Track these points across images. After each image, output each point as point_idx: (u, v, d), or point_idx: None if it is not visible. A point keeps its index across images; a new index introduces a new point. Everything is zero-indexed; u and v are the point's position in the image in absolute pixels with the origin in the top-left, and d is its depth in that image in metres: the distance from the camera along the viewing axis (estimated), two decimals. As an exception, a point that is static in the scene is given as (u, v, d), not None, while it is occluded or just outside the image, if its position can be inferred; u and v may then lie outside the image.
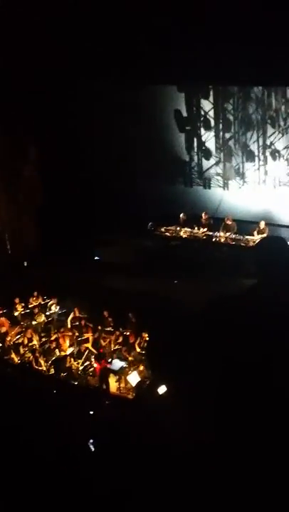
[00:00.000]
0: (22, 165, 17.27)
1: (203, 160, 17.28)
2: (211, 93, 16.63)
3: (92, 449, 5.85)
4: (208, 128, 16.97)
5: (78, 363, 11.99)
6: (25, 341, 12.75)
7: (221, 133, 16.80)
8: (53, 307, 14.22)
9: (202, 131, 17.08)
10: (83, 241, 15.97)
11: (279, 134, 15.77)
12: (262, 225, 14.75)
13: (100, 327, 12.98)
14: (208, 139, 17.02)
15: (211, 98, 16.72)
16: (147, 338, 11.29)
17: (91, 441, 6.15)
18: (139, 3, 12.81)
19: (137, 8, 12.80)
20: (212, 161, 17.10)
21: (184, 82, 16.11)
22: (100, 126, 16.66)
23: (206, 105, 16.85)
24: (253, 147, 16.27)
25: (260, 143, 16.14)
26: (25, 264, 16.47)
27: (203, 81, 15.66)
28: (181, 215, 16.06)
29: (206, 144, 17.09)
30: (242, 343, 2.39)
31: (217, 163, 17.05)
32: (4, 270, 16.04)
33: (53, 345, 12.60)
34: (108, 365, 11.64)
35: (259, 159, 16.24)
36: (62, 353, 12.32)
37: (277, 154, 15.87)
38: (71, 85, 15.75)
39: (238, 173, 16.66)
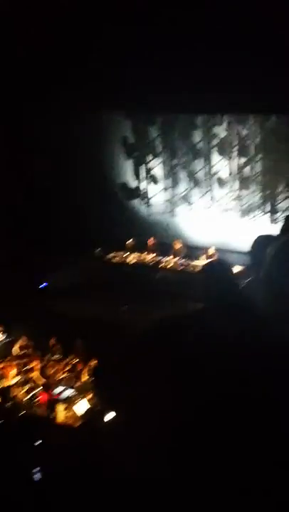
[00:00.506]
0: None
1: (151, 186, 17.44)
2: (158, 120, 16.86)
3: (38, 478, 5.69)
4: (155, 155, 17.16)
5: (24, 393, 11.70)
6: None
7: (168, 160, 17.01)
8: (-3, 335, 13.89)
9: (149, 157, 17.25)
10: (29, 266, 15.75)
11: (224, 162, 16.10)
12: (211, 250, 14.92)
13: (47, 355, 12.75)
14: (155, 165, 17.20)
15: (158, 125, 16.94)
16: (96, 366, 11.14)
17: (37, 469, 6.00)
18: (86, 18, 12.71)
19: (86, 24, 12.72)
20: (159, 187, 17.28)
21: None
22: (45, 149, 16.56)
23: (153, 132, 17.06)
24: (200, 174, 16.53)
25: (207, 170, 16.42)
26: None
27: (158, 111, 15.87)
28: (129, 241, 16.12)
29: (153, 171, 17.26)
30: (189, 368, 2.37)
31: (165, 190, 17.23)
32: None
33: (-1, 374, 12.27)
34: (56, 394, 11.40)
35: (206, 186, 16.50)
36: (8, 382, 12.01)
37: (222, 181, 16.18)
38: (13, 108, 15.57)
39: (185, 200, 16.87)
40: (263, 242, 3.26)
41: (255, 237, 3.57)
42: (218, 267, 3.05)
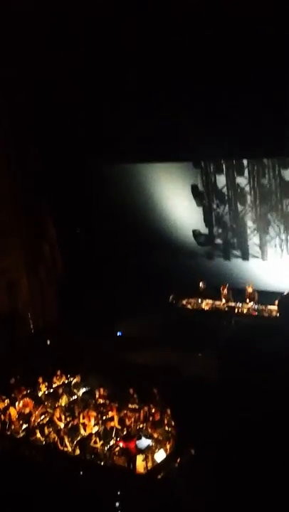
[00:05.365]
0: (42, 242, 17.63)
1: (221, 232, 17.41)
2: (224, 167, 16.85)
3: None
4: (223, 202, 17.15)
5: (104, 443, 11.71)
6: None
7: (235, 206, 16.95)
8: (76, 386, 14.05)
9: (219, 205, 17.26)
10: (105, 317, 16.00)
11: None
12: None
13: (126, 405, 12.74)
14: (224, 212, 17.20)
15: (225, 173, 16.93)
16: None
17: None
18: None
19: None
20: (229, 233, 17.23)
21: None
22: (115, 202, 17.03)
23: (222, 180, 17.08)
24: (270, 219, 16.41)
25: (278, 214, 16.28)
26: (48, 342, 16.46)
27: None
28: (201, 284, 16.10)
29: (223, 218, 17.25)
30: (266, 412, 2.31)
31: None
32: (27, 348, 16.03)
33: (78, 424, 12.36)
34: (135, 444, 11.34)
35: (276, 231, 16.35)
36: (88, 432, 12.07)
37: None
38: (84, 165, 16.24)
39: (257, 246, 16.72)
40: None
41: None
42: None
